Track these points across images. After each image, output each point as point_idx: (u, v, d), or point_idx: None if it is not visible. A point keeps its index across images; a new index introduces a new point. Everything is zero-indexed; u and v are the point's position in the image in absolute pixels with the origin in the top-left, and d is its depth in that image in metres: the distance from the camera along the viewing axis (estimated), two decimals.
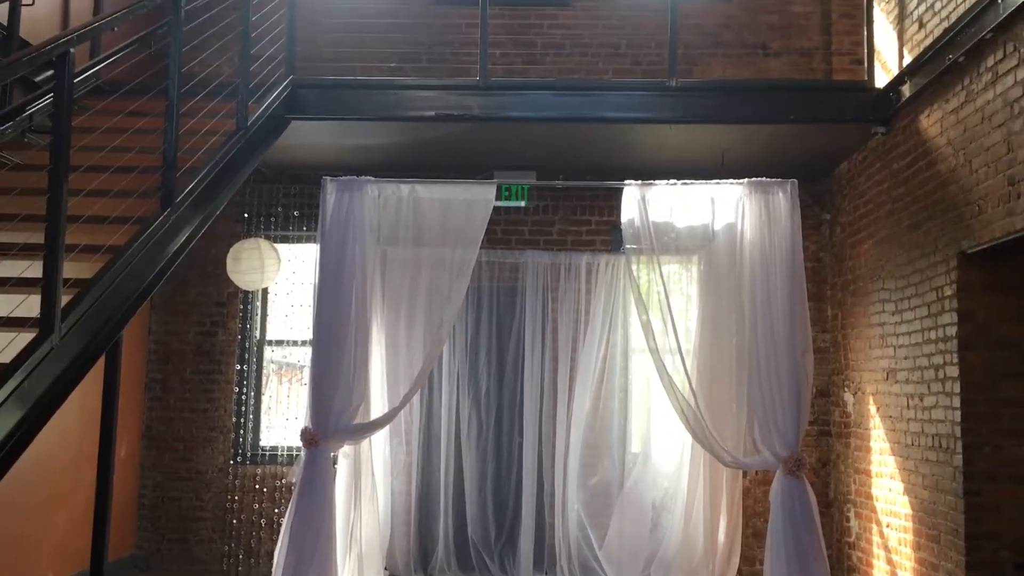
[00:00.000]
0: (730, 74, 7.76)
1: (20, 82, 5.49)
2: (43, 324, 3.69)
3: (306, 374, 7.40)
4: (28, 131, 5.22)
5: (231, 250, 7.33)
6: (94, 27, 4.06)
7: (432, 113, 6.56)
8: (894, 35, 6.36)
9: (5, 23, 5.54)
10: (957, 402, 5.24)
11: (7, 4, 5.50)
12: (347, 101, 6.65)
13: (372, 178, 6.30)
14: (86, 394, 4.55)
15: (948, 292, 5.36)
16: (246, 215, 7.86)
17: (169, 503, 7.76)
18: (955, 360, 5.26)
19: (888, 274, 6.28)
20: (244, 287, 7.47)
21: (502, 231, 7.82)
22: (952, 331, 5.30)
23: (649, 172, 7.33)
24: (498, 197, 6.69)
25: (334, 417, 5.92)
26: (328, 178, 6.27)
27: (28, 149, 5.28)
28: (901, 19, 6.23)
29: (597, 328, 7.41)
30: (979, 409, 5.21)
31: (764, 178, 6.16)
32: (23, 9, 5.64)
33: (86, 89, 5.45)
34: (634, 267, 6.35)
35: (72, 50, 3.82)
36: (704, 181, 6.36)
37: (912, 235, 5.90)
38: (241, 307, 7.90)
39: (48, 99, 5.05)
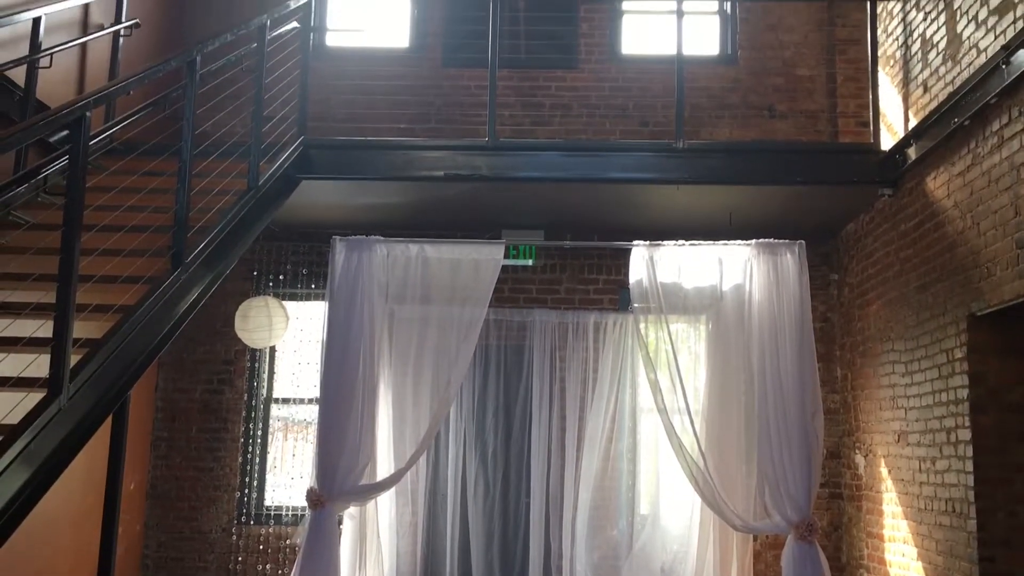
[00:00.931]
0: (737, 135, 7.83)
1: (36, 142, 5.57)
2: (52, 385, 3.69)
3: (312, 430, 7.36)
4: (43, 191, 5.28)
5: (240, 308, 7.35)
6: (110, 91, 4.13)
7: (441, 173, 6.62)
8: (899, 98, 6.42)
9: (22, 84, 5.63)
10: (970, 466, 5.18)
11: (24, 66, 5.60)
12: (357, 161, 6.72)
13: (381, 237, 6.34)
14: (91, 452, 4.51)
15: (958, 354, 5.34)
16: (255, 272, 7.90)
17: (173, 563, 7.67)
18: (967, 423, 5.21)
19: (897, 335, 6.26)
20: (252, 345, 7.47)
21: (510, 290, 7.82)
22: (963, 394, 5.26)
23: (657, 231, 7.39)
24: (506, 256, 6.73)
25: (340, 478, 5.88)
26: (337, 237, 6.32)
27: (42, 209, 5.34)
28: (906, 83, 6.30)
29: (605, 388, 7.37)
30: (992, 473, 5.15)
31: (772, 239, 6.18)
32: (40, 71, 5.75)
33: (101, 152, 5.52)
34: (642, 326, 6.35)
35: (88, 114, 3.88)
36: (712, 242, 6.38)
37: (921, 296, 5.89)
38: (248, 365, 7.89)
39: (63, 161, 5.11)
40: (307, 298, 7.91)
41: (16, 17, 5.48)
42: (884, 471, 6.52)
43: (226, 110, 6.10)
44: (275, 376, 8.03)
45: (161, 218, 5.03)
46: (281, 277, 7.91)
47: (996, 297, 4.92)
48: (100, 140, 5.66)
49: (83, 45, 6.39)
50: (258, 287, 7.87)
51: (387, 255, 6.34)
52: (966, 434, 5.22)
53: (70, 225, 3.72)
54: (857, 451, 7.10)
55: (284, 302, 7.54)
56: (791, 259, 5.95)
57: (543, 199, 7.09)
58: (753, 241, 6.14)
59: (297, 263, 7.93)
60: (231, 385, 7.86)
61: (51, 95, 5.89)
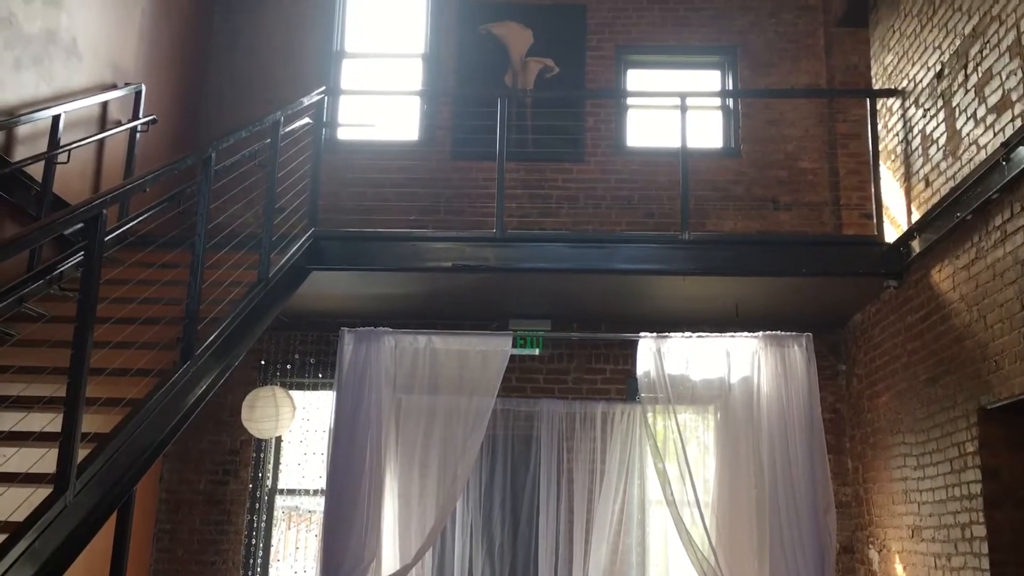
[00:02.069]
0: (741, 227, 7.92)
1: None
2: (58, 481, 3.68)
3: (316, 520, 7.26)
4: (58, 285, 5.34)
5: (247, 398, 7.34)
6: (126, 190, 4.22)
7: (450, 264, 6.69)
8: (901, 192, 6.51)
9: (40, 178, 5.74)
10: (986, 563, 5.08)
11: (43, 161, 5.72)
12: (367, 252, 6.79)
13: (389, 329, 6.37)
14: (93, 544, 4.46)
15: (970, 448, 5.29)
16: (263, 362, 7.90)
17: None
18: (981, 519, 5.14)
19: (908, 428, 6.22)
20: (258, 436, 7.43)
21: (517, 379, 7.81)
22: (977, 489, 5.20)
23: (663, 321, 7.42)
24: (513, 345, 6.75)
25: (344, 574, 5.78)
26: (346, 329, 6.35)
27: (56, 300, 5.39)
28: (907, 177, 6.40)
29: (613, 479, 7.28)
30: (1009, 571, 5.04)
31: (779, 331, 6.20)
32: (57, 166, 5.87)
33: (115, 248, 5.60)
34: (650, 416, 6.33)
35: (105, 211, 3.95)
36: (719, 333, 6.40)
37: (930, 389, 5.87)
38: (254, 455, 7.83)
39: (78, 257, 5.18)
40: (314, 387, 7.90)
41: (37, 115, 5.62)
42: (899, 567, 6.40)
43: (239, 203, 6.20)
44: (280, 467, 7.96)
45: (173, 310, 5.07)
46: (288, 366, 7.91)
47: (1006, 391, 4.90)
48: (115, 236, 5.74)
49: (100, 140, 6.54)
50: (265, 376, 7.87)
51: (395, 346, 6.36)
52: (981, 530, 5.14)
53: (83, 322, 3.76)
54: (871, 546, 6.98)
55: (291, 392, 7.52)
56: (799, 351, 5.95)
57: (550, 289, 7.14)
58: (760, 333, 6.16)
59: (305, 352, 7.95)
60: (236, 476, 7.79)
61: (67, 189, 6.01)
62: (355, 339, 6.27)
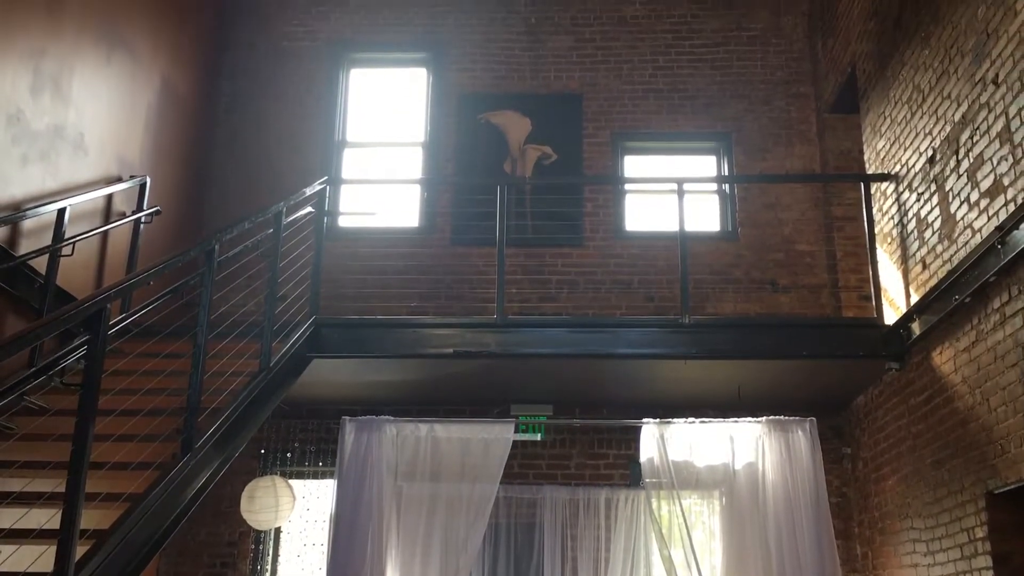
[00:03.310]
0: (741, 309, 7.95)
1: None
2: None
3: None
4: (60, 380, 5.34)
5: (246, 489, 7.25)
6: (129, 284, 4.25)
7: (451, 350, 6.68)
8: (899, 274, 6.55)
9: (43, 271, 5.78)
10: None
11: (47, 255, 5.77)
12: (368, 339, 6.80)
13: (390, 417, 6.35)
14: None
15: (980, 534, 5.21)
16: (263, 451, 7.84)
17: None
18: None
19: (916, 512, 6.13)
20: (257, 527, 7.32)
21: (519, 465, 7.73)
22: (989, 575, 5.11)
23: (666, 405, 7.39)
24: (515, 431, 6.71)
25: None
26: (347, 418, 6.32)
27: (57, 394, 5.38)
28: (904, 260, 6.45)
29: (618, 567, 7.14)
30: None
31: (782, 414, 6.18)
32: (61, 258, 5.91)
33: (118, 342, 5.61)
34: (654, 502, 6.26)
35: (108, 306, 3.97)
36: (722, 418, 6.37)
37: (937, 473, 5.81)
38: (253, 546, 7.70)
39: (80, 352, 5.19)
40: (315, 476, 7.81)
41: (42, 209, 5.69)
42: None
43: (241, 292, 6.24)
44: (280, 559, 7.82)
45: (175, 401, 5.06)
46: (289, 455, 7.85)
47: (1013, 475, 4.85)
48: (117, 329, 5.75)
49: (104, 232, 6.61)
50: (265, 466, 7.79)
51: (396, 435, 6.33)
52: None
53: (84, 418, 3.74)
54: None
55: (291, 481, 7.44)
56: (803, 436, 5.92)
57: (552, 374, 7.13)
58: (763, 418, 6.13)
59: (305, 440, 7.88)
60: (234, 568, 7.65)
61: (71, 281, 6.05)
62: (356, 428, 6.24)
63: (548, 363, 6.88)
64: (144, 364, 5.22)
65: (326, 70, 8.98)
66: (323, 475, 7.72)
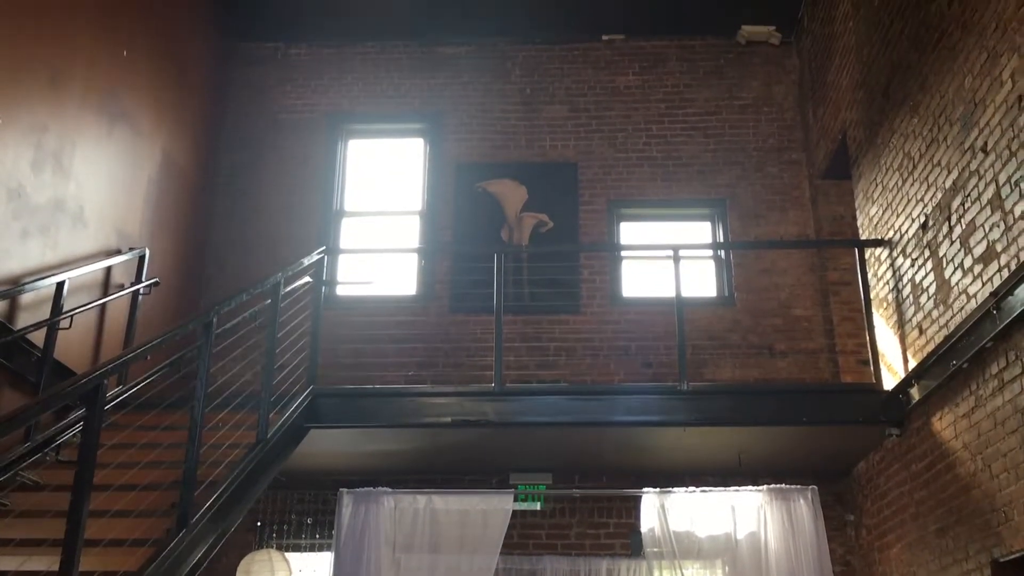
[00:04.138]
0: (739, 375, 7.94)
1: None
2: None
3: None
4: (55, 456, 5.31)
5: (241, 562, 7.15)
6: (126, 360, 4.25)
7: (449, 419, 6.65)
8: (896, 339, 6.56)
9: (41, 344, 5.78)
10: None
11: (44, 328, 5.78)
12: (366, 409, 6.77)
13: (388, 489, 6.29)
14: None
15: None
16: (259, 523, 7.73)
17: None
18: None
19: None
20: None
21: (518, 535, 7.63)
22: None
23: (666, 473, 7.34)
24: (514, 500, 6.64)
25: None
26: (344, 490, 6.26)
27: (51, 468, 5.33)
28: (901, 325, 6.47)
29: None
30: None
31: (784, 482, 6.13)
32: (59, 332, 5.91)
33: (115, 416, 5.59)
34: (656, 573, 6.17)
35: (105, 381, 3.97)
36: (722, 486, 6.33)
37: (941, 540, 5.74)
38: None
39: (77, 426, 5.16)
40: (311, 548, 7.70)
41: (41, 283, 5.72)
42: None
43: (239, 362, 6.22)
44: None
45: (171, 474, 5.01)
46: (286, 527, 7.74)
47: (1017, 543, 4.80)
48: (114, 404, 5.74)
49: (103, 305, 6.62)
50: (262, 538, 7.68)
51: (395, 507, 6.27)
52: None
53: (79, 495, 3.71)
54: None
55: (288, 554, 7.34)
56: (805, 505, 5.87)
57: (551, 443, 7.09)
58: (765, 487, 6.09)
59: (302, 512, 7.79)
60: None
61: (68, 354, 6.04)
62: (354, 500, 6.18)
63: (547, 432, 6.84)
64: (141, 437, 5.19)
65: (324, 141, 9.11)
66: (320, 548, 7.61)
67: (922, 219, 6.09)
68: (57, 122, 6.11)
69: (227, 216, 8.82)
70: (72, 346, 6.15)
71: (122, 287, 6.88)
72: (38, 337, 5.74)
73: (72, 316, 5.99)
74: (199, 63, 8.59)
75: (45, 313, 5.84)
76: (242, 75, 9.31)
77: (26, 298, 5.71)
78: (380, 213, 9.05)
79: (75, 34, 6.35)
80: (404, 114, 9.26)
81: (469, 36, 9.31)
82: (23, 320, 5.67)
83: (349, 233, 8.93)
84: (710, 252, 8.66)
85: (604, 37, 9.30)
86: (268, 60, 9.37)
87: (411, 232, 8.89)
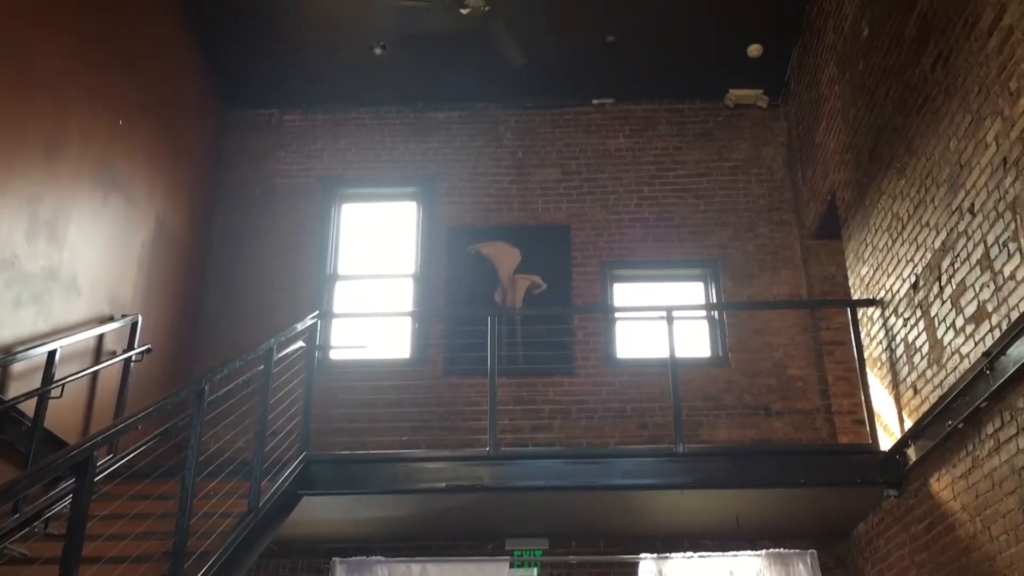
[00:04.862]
0: (735, 435, 7.90)
1: None
2: None
3: None
4: (43, 530, 5.23)
5: None
6: (116, 431, 4.22)
7: (443, 485, 6.58)
8: (891, 399, 6.55)
9: (31, 413, 5.73)
10: None
11: (35, 397, 5.74)
12: (359, 475, 6.70)
13: (382, 558, 6.21)
14: None
15: None
16: None
17: None
18: None
19: None
20: None
21: None
22: None
23: (663, 536, 7.26)
24: (510, 567, 6.55)
25: None
26: (337, 559, 6.19)
27: (39, 540, 5.25)
28: (895, 385, 6.46)
29: None
30: None
31: (783, 545, 6.07)
32: (50, 400, 5.87)
33: (106, 487, 5.53)
34: None
35: (95, 453, 3.93)
36: (721, 550, 6.26)
37: None
38: None
39: (67, 499, 5.10)
40: None
41: (33, 352, 5.70)
42: None
43: (230, 429, 6.18)
44: None
45: (161, 545, 4.93)
46: None
47: None
48: (105, 475, 5.67)
49: (95, 372, 6.59)
50: None
51: (388, 575, 6.16)
52: None
53: (67, 568, 3.65)
54: None
55: None
56: (804, 570, 5.82)
57: (546, 507, 7.01)
58: (764, 552, 6.03)
59: None
60: None
61: (59, 422, 6.00)
62: (347, 570, 6.10)
63: (542, 496, 6.77)
64: (132, 507, 5.12)
65: (318, 206, 9.17)
66: None
67: (913, 279, 6.12)
68: (52, 191, 6.15)
69: (221, 281, 8.84)
70: (63, 414, 6.10)
71: (114, 354, 6.85)
72: (29, 406, 5.70)
73: (63, 385, 5.96)
74: (195, 130, 8.68)
75: (36, 381, 5.81)
76: (238, 141, 9.41)
77: (17, 367, 5.68)
78: (374, 276, 9.07)
79: (71, 104, 6.42)
80: (397, 178, 9.34)
81: (461, 101, 9.45)
82: (14, 389, 5.64)
83: (343, 296, 8.94)
84: (703, 313, 8.68)
85: (594, 101, 9.44)
86: (263, 126, 9.48)
87: (405, 295, 8.91)
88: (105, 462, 5.68)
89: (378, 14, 8.08)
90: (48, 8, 6.12)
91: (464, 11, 7.32)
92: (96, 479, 5.06)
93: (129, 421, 4.36)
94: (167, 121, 8.01)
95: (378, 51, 8.74)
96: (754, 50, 8.74)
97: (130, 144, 7.32)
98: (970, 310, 5.29)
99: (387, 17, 8.21)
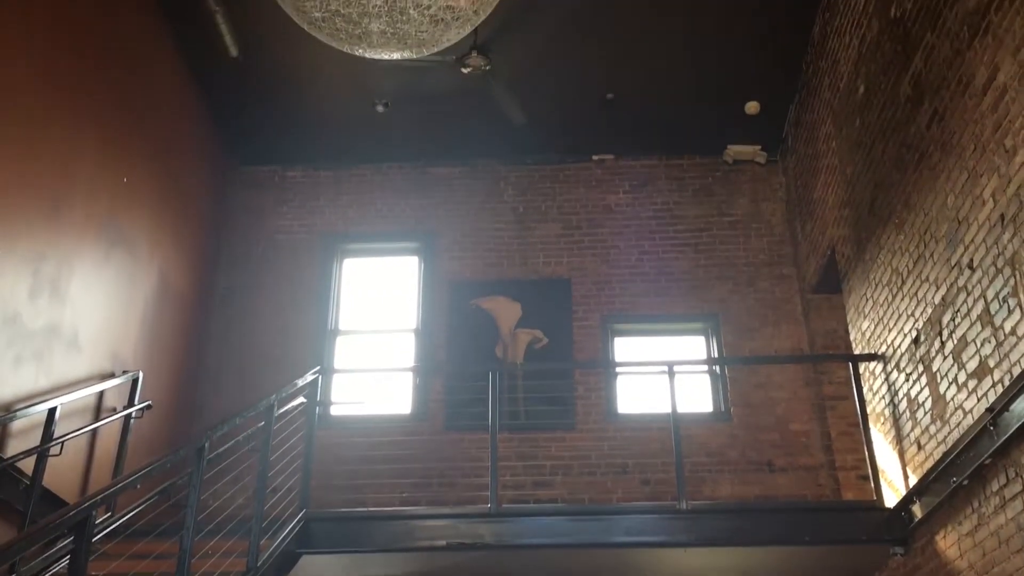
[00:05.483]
0: (739, 492, 7.84)
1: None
2: None
3: None
4: None
5: None
6: (115, 491, 4.18)
7: (444, 543, 6.52)
8: (895, 454, 6.50)
9: (30, 471, 5.69)
10: None
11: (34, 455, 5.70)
12: (359, 533, 6.63)
13: None
14: None
15: None
16: None
17: None
18: None
19: None
20: None
21: None
22: None
23: None
24: None
25: None
26: None
27: None
28: (899, 440, 6.42)
29: None
30: None
31: None
32: (49, 458, 5.83)
33: (105, 547, 5.47)
34: None
35: (94, 512, 3.90)
36: None
37: None
38: None
39: (65, 559, 5.05)
40: None
41: (33, 409, 5.68)
42: None
43: (230, 486, 6.13)
44: None
45: None
46: None
47: None
48: (103, 534, 5.62)
49: (94, 429, 6.56)
50: None
51: None
52: None
53: None
54: None
55: None
56: None
57: (549, 565, 6.91)
58: None
59: None
60: None
61: (58, 481, 5.96)
62: None
63: (545, 554, 6.69)
64: (130, 568, 5.06)
65: (319, 261, 9.21)
66: None
67: (914, 334, 6.12)
68: (56, 249, 6.18)
69: (222, 336, 8.84)
70: (62, 472, 6.06)
71: (114, 411, 6.83)
72: (27, 464, 5.66)
73: (63, 443, 5.93)
74: (198, 187, 8.76)
75: (36, 439, 5.78)
76: (240, 197, 9.49)
77: (17, 424, 5.65)
78: (375, 331, 9.08)
79: (76, 162, 6.49)
80: (399, 233, 9.40)
81: (462, 157, 9.55)
82: (13, 447, 5.60)
83: (344, 351, 8.94)
84: (705, 367, 8.67)
85: (595, 157, 9.54)
86: (266, 183, 9.57)
87: (406, 349, 8.91)
88: (103, 521, 5.63)
89: (380, 72, 8.19)
90: (56, 69, 6.22)
91: (465, 70, 7.43)
92: (94, 539, 5.02)
93: (128, 480, 4.34)
94: (171, 177, 8.08)
95: (380, 108, 8.85)
96: (752, 107, 8.86)
97: (134, 200, 7.38)
98: (972, 365, 5.28)
99: (390, 75, 8.33)
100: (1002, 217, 4.86)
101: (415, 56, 5.45)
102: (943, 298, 5.64)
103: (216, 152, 9.19)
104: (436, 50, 5.37)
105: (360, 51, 5.23)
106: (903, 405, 6.37)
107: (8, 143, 5.67)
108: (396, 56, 5.28)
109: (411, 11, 4.65)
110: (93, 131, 6.72)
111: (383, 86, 8.61)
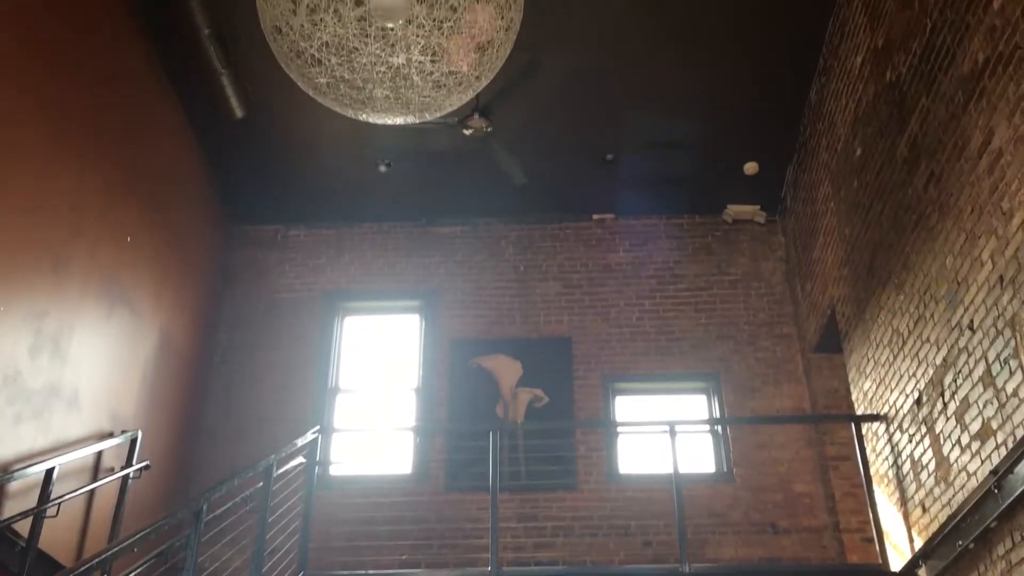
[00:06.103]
0: (742, 554, 7.74)
1: None
2: None
3: None
4: None
5: None
6: (111, 553, 4.15)
7: None
8: (899, 516, 6.44)
9: (26, 533, 5.63)
10: None
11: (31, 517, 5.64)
12: None
13: None
14: None
15: None
16: None
17: None
18: None
19: None
20: None
21: None
22: None
23: None
24: None
25: None
26: None
27: None
28: (904, 502, 6.36)
29: None
30: None
31: None
32: (45, 519, 5.77)
33: None
34: None
35: None
36: None
37: None
38: None
39: None
40: None
41: (30, 470, 5.63)
42: None
43: (229, 550, 6.07)
44: None
45: None
46: None
47: None
48: None
49: (92, 489, 6.50)
50: None
51: None
52: None
53: None
54: None
55: None
56: None
57: None
58: None
59: None
60: None
61: (54, 542, 5.89)
62: None
63: None
64: None
65: (320, 319, 9.22)
66: None
67: (916, 395, 6.10)
68: (57, 307, 6.20)
69: (222, 395, 8.81)
70: (58, 534, 5.99)
71: (112, 470, 6.78)
72: (23, 526, 5.60)
73: (60, 504, 5.87)
74: (200, 246, 8.81)
75: (33, 499, 5.73)
76: (242, 256, 9.53)
77: (14, 485, 5.61)
78: (375, 390, 9.05)
79: (79, 221, 6.53)
80: (400, 291, 9.42)
81: (463, 216, 9.61)
82: (10, 508, 5.55)
83: (344, 410, 8.90)
84: (707, 427, 8.62)
85: (595, 216, 9.60)
86: (268, 242, 9.62)
87: (407, 408, 8.87)
88: None
89: (383, 133, 8.29)
90: (61, 129, 6.30)
91: (467, 132, 7.52)
92: None
93: (124, 544, 4.29)
94: (174, 236, 8.13)
95: (383, 168, 8.94)
96: (751, 168, 8.94)
97: (136, 260, 7.41)
98: (975, 427, 5.26)
99: (392, 136, 8.43)
100: (1001, 279, 4.88)
101: (418, 120, 5.52)
102: (944, 359, 5.64)
103: (219, 211, 9.26)
104: (439, 115, 5.45)
105: (364, 116, 5.30)
106: (907, 466, 6.32)
107: (12, 201, 5.72)
108: (399, 121, 5.36)
109: (414, 77, 4.73)
110: (96, 190, 6.78)
111: (385, 146, 8.71)
